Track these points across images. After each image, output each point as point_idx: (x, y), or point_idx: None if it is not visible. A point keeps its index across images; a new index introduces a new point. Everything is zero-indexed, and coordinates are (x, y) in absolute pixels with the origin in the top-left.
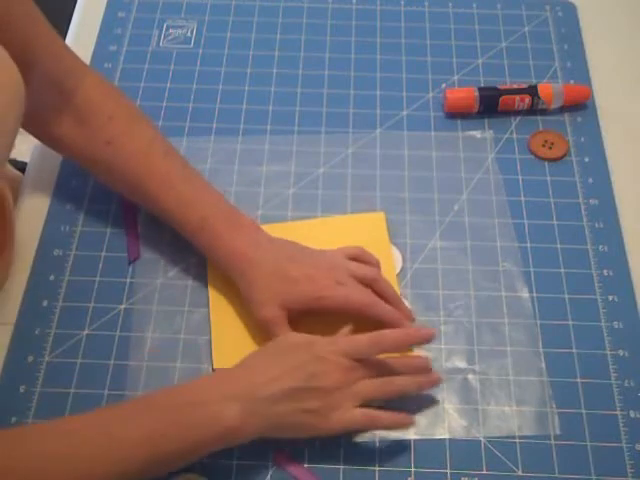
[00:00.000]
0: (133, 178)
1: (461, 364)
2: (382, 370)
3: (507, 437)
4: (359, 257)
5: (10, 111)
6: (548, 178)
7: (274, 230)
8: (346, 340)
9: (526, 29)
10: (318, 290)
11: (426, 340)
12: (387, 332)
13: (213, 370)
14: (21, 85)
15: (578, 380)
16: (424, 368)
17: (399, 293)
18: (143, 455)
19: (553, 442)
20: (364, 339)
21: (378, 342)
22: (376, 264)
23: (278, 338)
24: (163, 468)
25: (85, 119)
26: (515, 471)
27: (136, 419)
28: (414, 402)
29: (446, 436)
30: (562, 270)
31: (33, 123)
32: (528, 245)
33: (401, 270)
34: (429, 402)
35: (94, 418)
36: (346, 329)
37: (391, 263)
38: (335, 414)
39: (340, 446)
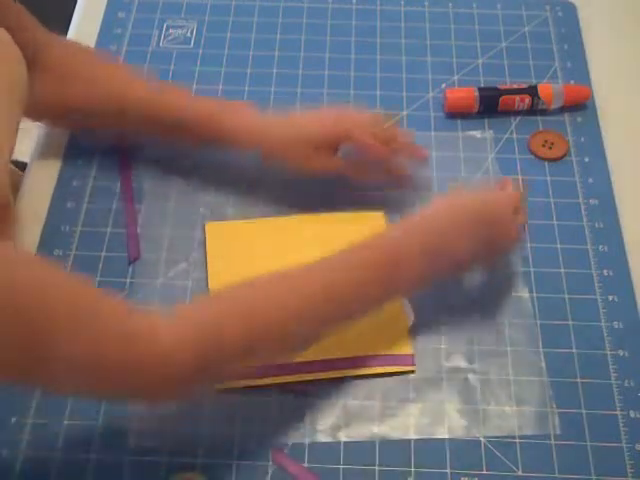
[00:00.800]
0: (145, 114)
1: (461, 364)
2: None
3: (507, 437)
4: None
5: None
6: (548, 178)
7: (275, 224)
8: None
9: (526, 29)
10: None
11: None
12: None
13: None
14: (24, 76)
15: (578, 380)
16: None
17: None
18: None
19: (553, 442)
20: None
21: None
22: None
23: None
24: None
25: (89, 79)
26: (515, 471)
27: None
28: (413, 402)
29: (446, 436)
30: (562, 270)
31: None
32: (528, 245)
33: None
34: (429, 402)
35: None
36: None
37: None
38: None
39: (340, 446)
